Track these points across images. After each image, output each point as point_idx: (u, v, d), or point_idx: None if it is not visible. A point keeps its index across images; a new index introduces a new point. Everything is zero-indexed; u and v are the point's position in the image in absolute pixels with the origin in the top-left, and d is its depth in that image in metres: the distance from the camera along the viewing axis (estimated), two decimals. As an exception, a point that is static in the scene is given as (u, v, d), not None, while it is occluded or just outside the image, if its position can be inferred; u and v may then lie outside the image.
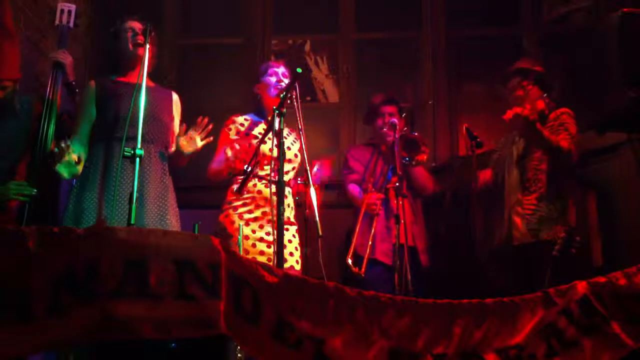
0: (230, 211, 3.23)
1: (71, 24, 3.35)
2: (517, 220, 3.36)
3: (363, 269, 3.44)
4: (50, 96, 3.06)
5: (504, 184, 3.50)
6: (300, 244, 3.33)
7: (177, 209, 3.07)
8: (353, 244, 3.52)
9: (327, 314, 1.80)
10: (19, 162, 2.88)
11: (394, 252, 3.45)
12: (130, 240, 1.59)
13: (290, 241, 3.25)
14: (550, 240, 3.13)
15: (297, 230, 3.34)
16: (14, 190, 2.77)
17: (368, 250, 3.50)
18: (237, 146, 3.13)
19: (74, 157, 2.72)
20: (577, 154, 3.40)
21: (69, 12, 3.34)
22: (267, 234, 3.18)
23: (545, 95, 3.46)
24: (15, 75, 2.76)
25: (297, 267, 3.25)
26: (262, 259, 3.08)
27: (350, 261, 3.45)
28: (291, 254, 3.23)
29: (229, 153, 3.12)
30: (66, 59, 3.16)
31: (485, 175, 3.62)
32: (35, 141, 2.96)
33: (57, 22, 3.33)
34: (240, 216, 3.20)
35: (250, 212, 3.21)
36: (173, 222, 3.01)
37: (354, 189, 3.80)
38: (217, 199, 3.44)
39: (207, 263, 1.62)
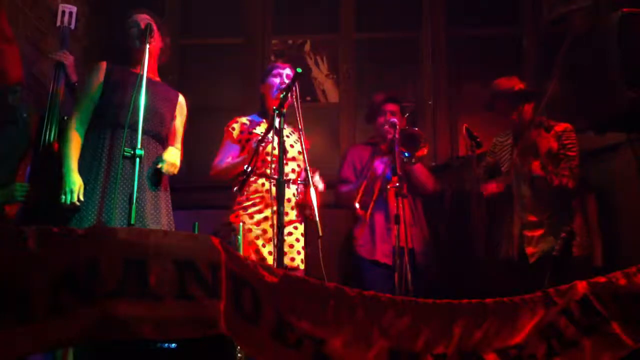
0: (241, 211, 3.22)
1: (72, 26, 3.36)
2: (534, 239, 3.37)
3: (368, 214, 3.52)
4: (52, 95, 3.06)
5: (510, 195, 3.49)
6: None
7: (170, 207, 3.07)
8: (361, 191, 3.56)
9: (328, 314, 1.80)
10: (17, 169, 2.88)
11: (394, 253, 3.45)
12: (130, 240, 1.59)
13: (297, 240, 3.26)
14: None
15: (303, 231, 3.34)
16: (19, 191, 2.77)
17: (375, 195, 3.55)
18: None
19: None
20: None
21: (70, 13, 3.36)
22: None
23: (543, 120, 3.44)
24: (22, 79, 2.76)
25: (302, 266, 3.25)
26: (271, 258, 3.07)
27: (357, 205, 3.52)
28: (298, 252, 3.24)
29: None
30: (67, 59, 3.18)
31: (490, 188, 3.60)
32: (37, 142, 2.96)
33: (58, 23, 3.34)
34: (251, 216, 3.19)
35: (260, 211, 3.20)
36: (164, 218, 2.99)
37: (345, 187, 3.79)
38: (217, 199, 3.44)
39: (207, 263, 1.62)
